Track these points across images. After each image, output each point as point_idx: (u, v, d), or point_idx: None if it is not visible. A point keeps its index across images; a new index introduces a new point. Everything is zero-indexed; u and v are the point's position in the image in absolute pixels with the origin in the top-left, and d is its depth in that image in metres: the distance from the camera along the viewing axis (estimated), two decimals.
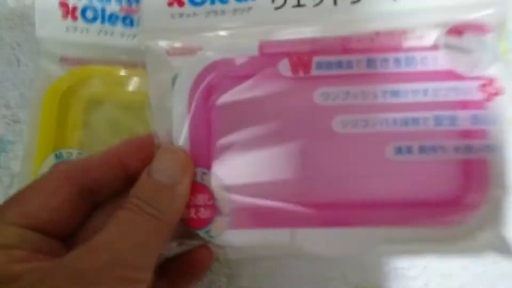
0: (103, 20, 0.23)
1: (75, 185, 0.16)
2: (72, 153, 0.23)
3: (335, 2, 0.17)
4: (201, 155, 0.18)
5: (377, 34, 0.17)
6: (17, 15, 0.26)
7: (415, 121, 0.17)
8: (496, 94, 0.16)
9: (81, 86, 0.23)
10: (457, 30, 0.17)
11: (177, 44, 0.19)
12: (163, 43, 0.19)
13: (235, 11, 0.18)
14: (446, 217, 0.17)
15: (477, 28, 0.16)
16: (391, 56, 0.17)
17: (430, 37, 0.17)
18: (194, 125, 0.18)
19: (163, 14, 0.18)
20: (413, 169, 0.17)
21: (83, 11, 0.23)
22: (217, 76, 0.18)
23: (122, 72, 0.23)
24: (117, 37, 0.23)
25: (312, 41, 0.18)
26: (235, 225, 0.17)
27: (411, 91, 0.17)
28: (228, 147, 0.18)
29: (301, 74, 0.17)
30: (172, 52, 0.19)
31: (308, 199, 0.17)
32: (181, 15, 0.19)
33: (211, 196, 0.18)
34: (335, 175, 0.17)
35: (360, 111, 0.17)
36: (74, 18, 0.23)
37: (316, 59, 0.17)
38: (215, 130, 0.18)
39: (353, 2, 0.17)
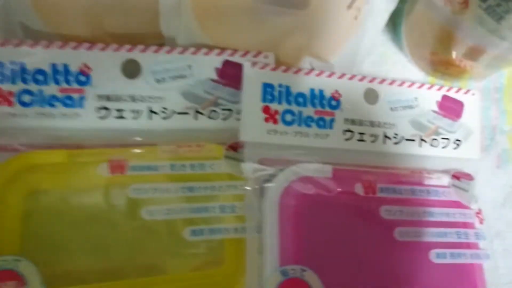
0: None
1: None
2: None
3: (384, 141, 0.25)
4: (293, 255, 0.21)
5: (413, 171, 0.25)
6: None
7: (445, 234, 0.24)
8: (482, 220, 0.25)
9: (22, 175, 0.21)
10: (456, 176, 0.26)
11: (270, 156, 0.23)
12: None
13: (316, 135, 0.24)
14: None
15: (468, 176, 0.26)
16: (424, 188, 0.24)
17: (444, 178, 0.25)
18: (285, 228, 0.22)
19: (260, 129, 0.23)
20: (448, 270, 0.23)
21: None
22: (303, 189, 0.23)
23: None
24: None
25: (372, 171, 0.24)
26: None
27: (439, 213, 0.24)
28: (314, 251, 0.22)
29: (370, 194, 0.23)
30: (263, 163, 0.23)
31: None
32: (275, 132, 0.23)
33: None
34: (396, 273, 0.23)
35: (411, 225, 0.23)
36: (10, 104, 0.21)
37: (379, 185, 0.24)
38: (303, 235, 0.22)
39: (395, 143, 0.25)
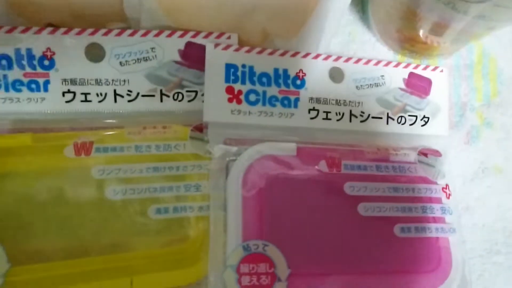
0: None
1: None
2: None
3: (350, 120, 0.25)
4: (256, 231, 0.22)
5: (379, 148, 0.25)
6: None
7: (410, 209, 0.24)
8: (449, 195, 0.25)
9: None
10: (423, 152, 0.26)
11: (234, 136, 0.23)
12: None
13: (280, 114, 0.24)
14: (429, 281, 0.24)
15: (436, 153, 0.26)
16: (390, 164, 0.25)
17: (412, 155, 0.25)
18: (248, 206, 0.22)
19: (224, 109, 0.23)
20: (412, 244, 0.24)
21: None
22: (267, 168, 0.23)
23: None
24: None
25: (337, 149, 0.24)
26: None
27: (404, 188, 0.24)
28: (277, 227, 0.22)
29: (334, 171, 0.24)
30: (228, 142, 0.23)
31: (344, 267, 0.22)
32: (239, 111, 0.24)
33: (272, 265, 0.21)
34: (360, 247, 0.23)
35: (376, 200, 0.24)
36: None
37: (344, 162, 0.24)
38: (266, 212, 0.22)
39: (362, 121, 0.25)
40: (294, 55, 0.25)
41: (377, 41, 0.28)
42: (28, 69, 0.23)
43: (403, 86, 0.26)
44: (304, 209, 0.23)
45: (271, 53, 0.24)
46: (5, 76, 0.22)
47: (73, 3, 0.23)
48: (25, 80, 0.23)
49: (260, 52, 0.24)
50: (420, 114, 0.26)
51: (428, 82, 0.27)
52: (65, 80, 0.23)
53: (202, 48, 0.24)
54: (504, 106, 0.29)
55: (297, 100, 0.25)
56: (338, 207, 0.23)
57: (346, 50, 0.28)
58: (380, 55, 0.28)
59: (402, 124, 0.26)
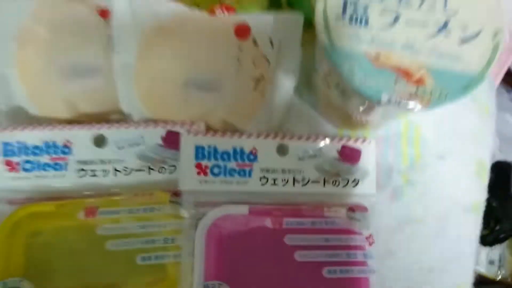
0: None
1: None
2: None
3: (293, 184, 0.32)
4: (214, 274, 0.29)
5: (315, 207, 0.32)
6: None
7: (338, 255, 0.31)
8: (372, 243, 0.32)
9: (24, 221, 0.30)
10: (352, 208, 0.33)
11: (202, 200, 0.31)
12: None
13: (238, 182, 0.32)
14: None
15: (363, 209, 0.33)
16: (323, 220, 0.32)
17: (342, 211, 0.32)
18: (209, 254, 0.30)
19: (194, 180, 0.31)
20: (338, 283, 0.31)
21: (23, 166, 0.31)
22: (225, 224, 0.31)
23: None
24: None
25: (280, 208, 0.32)
26: None
27: (334, 239, 0.31)
28: (231, 271, 0.30)
29: (277, 226, 0.31)
30: (197, 205, 0.31)
31: None
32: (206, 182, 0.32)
33: None
34: (296, 286, 0.30)
35: (309, 249, 0.31)
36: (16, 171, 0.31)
37: (285, 219, 0.31)
38: (223, 259, 0.30)
39: (303, 185, 0.33)
40: (248, 136, 0.33)
41: (320, 118, 0.36)
42: (53, 155, 0.31)
43: (337, 156, 0.34)
44: (253, 256, 0.31)
45: (230, 136, 0.33)
46: (38, 161, 0.31)
47: (83, 107, 0.32)
48: (51, 162, 0.31)
49: (222, 135, 0.32)
50: (352, 178, 0.34)
51: (358, 152, 0.34)
52: (79, 161, 0.32)
53: (178, 134, 0.32)
54: (425, 168, 0.35)
55: (251, 171, 0.32)
56: (279, 254, 0.31)
57: (295, 127, 0.35)
58: (324, 129, 0.36)
59: (336, 186, 0.33)
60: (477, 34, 0.24)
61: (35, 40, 0.32)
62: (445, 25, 0.24)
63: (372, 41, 0.24)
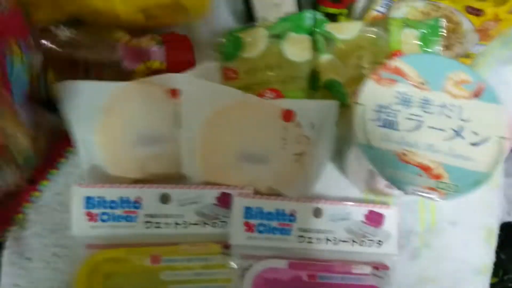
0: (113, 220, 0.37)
1: None
2: None
3: (326, 243, 0.38)
4: None
5: (344, 264, 0.38)
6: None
7: None
8: None
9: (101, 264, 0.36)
10: (376, 267, 0.38)
11: (249, 253, 0.37)
12: None
13: (279, 239, 0.38)
14: None
15: (385, 267, 0.38)
16: (351, 276, 0.37)
17: (367, 268, 0.38)
18: None
19: (242, 236, 0.37)
20: None
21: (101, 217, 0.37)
22: (268, 275, 0.37)
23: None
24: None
25: (314, 264, 0.37)
26: None
27: None
28: None
29: (312, 280, 0.37)
30: (245, 257, 0.37)
31: None
32: (252, 238, 0.37)
33: None
34: None
35: None
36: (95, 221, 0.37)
37: (319, 274, 0.37)
38: None
39: (334, 244, 0.38)
40: (289, 200, 0.39)
41: (350, 183, 0.42)
42: (126, 209, 0.38)
43: (364, 219, 0.39)
44: None
45: (274, 199, 0.38)
46: (113, 213, 0.38)
47: (154, 168, 0.39)
48: (124, 215, 0.38)
49: (267, 199, 0.38)
50: (376, 239, 0.39)
51: (382, 216, 0.40)
52: (146, 215, 0.38)
53: (231, 195, 0.38)
54: (440, 232, 0.41)
55: (290, 229, 0.38)
56: None
57: (328, 191, 0.41)
58: (352, 194, 0.42)
59: (363, 246, 0.39)
60: (486, 140, 0.30)
61: (116, 113, 0.38)
62: (460, 131, 0.30)
63: (400, 142, 0.30)
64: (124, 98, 0.38)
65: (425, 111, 0.31)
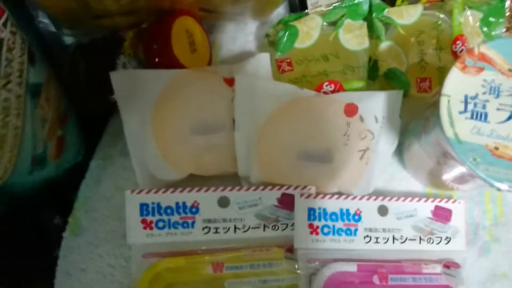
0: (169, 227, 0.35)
1: None
2: None
3: (393, 242, 0.36)
4: None
5: (414, 263, 0.36)
6: None
7: None
8: None
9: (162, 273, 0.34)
10: (447, 265, 0.36)
11: (314, 256, 0.35)
12: None
13: (344, 241, 0.36)
14: None
15: (456, 265, 0.36)
16: (422, 276, 0.35)
17: (438, 267, 0.36)
18: None
19: (306, 238, 0.35)
20: None
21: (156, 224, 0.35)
22: (337, 280, 0.35)
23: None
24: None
25: (383, 266, 0.35)
26: None
27: None
28: None
29: (383, 283, 0.35)
30: (311, 261, 0.35)
31: None
32: (316, 240, 0.35)
33: None
34: None
35: None
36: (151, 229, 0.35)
37: (390, 276, 0.35)
38: None
39: (401, 243, 0.36)
40: (353, 198, 0.36)
41: (411, 177, 0.40)
42: (183, 215, 0.35)
43: (430, 215, 0.37)
44: None
45: (337, 198, 0.36)
46: (169, 220, 0.35)
47: (209, 165, 0.36)
48: (181, 221, 0.35)
49: (330, 198, 0.36)
50: (444, 236, 0.37)
51: (449, 211, 0.38)
52: (204, 220, 0.36)
53: (292, 196, 0.36)
54: (508, 225, 0.39)
55: (356, 230, 0.36)
56: None
57: (388, 186, 0.39)
58: (414, 187, 0.40)
59: (431, 243, 0.37)
60: None
61: (172, 100, 0.36)
62: None
63: (491, 134, 0.28)
64: (182, 85, 0.36)
65: None
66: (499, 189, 0.28)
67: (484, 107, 0.28)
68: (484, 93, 0.29)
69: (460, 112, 0.28)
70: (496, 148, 0.28)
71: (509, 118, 0.28)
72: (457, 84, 0.29)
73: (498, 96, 0.28)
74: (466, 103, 0.28)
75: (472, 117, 0.28)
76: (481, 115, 0.28)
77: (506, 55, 0.29)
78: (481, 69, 0.29)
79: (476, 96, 0.28)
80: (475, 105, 0.28)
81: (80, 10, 0.32)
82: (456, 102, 0.28)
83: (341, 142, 0.35)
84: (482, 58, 0.29)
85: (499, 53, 0.29)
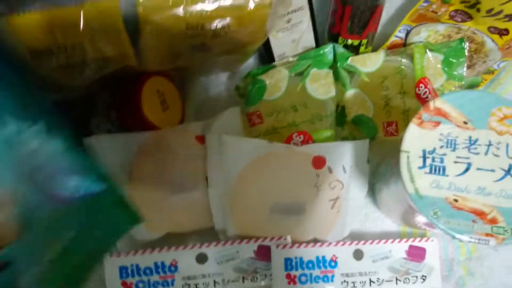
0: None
1: None
2: None
3: (370, 285, 0.37)
4: None
5: None
6: None
7: None
8: None
9: None
10: None
11: None
12: None
13: None
14: None
15: None
16: None
17: None
18: None
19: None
20: None
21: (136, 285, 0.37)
22: None
23: None
24: None
25: None
26: None
27: None
28: None
29: None
30: None
31: None
32: None
33: None
34: None
35: None
36: None
37: None
38: None
39: (378, 285, 0.37)
40: (328, 245, 0.37)
41: (385, 217, 0.41)
42: (162, 274, 0.36)
43: (405, 255, 0.38)
44: None
45: (313, 245, 0.37)
46: (148, 280, 0.36)
47: (186, 224, 0.37)
48: (160, 280, 0.36)
49: (306, 246, 0.37)
50: (419, 275, 0.38)
51: (423, 250, 0.39)
52: (183, 277, 0.36)
53: (269, 248, 0.37)
54: (482, 259, 0.40)
55: (333, 276, 0.37)
56: None
57: (363, 227, 0.40)
58: (388, 227, 0.40)
59: (407, 283, 0.38)
60: None
61: (144, 166, 0.36)
62: (510, 170, 0.29)
63: (450, 187, 0.29)
64: (154, 149, 0.36)
65: (472, 152, 0.29)
66: (460, 241, 0.29)
67: (442, 161, 0.29)
68: (441, 147, 0.30)
69: (419, 168, 0.29)
70: (456, 200, 0.29)
71: (466, 170, 0.29)
72: (415, 140, 0.30)
73: (454, 149, 0.30)
74: (424, 158, 0.30)
75: (431, 172, 0.29)
76: (439, 169, 0.29)
77: (461, 108, 0.30)
78: (438, 123, 0.30)
79: (433, 151, 0.30)
80: (433, 159, 0.29)
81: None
82: (415, 157, 0.30)
83: (311, 194, 0.36)
84: (438, 112, 0.30)
85: (454, 106, 0.30)
